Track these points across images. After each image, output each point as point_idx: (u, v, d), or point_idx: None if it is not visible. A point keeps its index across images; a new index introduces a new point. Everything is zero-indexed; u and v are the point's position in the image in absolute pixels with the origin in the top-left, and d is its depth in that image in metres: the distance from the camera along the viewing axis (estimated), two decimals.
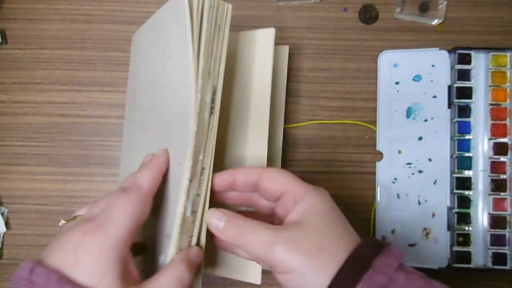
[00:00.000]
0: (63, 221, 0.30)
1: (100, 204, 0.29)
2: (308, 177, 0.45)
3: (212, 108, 0.31)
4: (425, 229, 0.44)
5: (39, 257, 0.27)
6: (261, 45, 0.39)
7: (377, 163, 0.45)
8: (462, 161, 0.44)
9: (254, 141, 0.38)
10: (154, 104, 0.36)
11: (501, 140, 0.44)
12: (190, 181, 0.29)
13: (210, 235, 0.31)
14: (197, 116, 0.29)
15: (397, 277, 0.26)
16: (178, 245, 0.30)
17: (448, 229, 0.44)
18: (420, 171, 0.45)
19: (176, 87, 0.32)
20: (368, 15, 0.45)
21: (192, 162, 0.29)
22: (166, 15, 0.34)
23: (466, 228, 0.43)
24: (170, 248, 0.29)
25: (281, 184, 0.30)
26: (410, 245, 0.44)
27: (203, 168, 0.30)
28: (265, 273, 0.45)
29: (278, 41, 0.46)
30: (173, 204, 0.30)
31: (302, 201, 0.30)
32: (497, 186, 0.43)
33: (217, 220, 0.30)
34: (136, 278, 0.28)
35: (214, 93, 0.31)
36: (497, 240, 0.43)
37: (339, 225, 0.30)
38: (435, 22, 0.46)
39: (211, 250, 0.36)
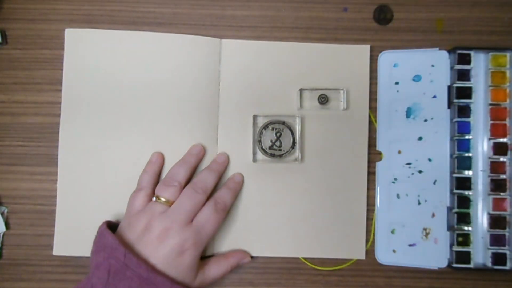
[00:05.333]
0: (154, 198, 0.40)
1: (185, 201, 0.40)
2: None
3: None
4: (425, 229, 0.44)
5: (125, 238, 0.39)
6: (358, 60, 0.46)
7: (377, 163, 0.45)
8: (462, 161, 0.44)
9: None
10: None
11: (501, 140, 0.44)
12: None
13: None
14: None
15: None
16: None
17: (448, 229, 0.44)
18: (420, 171, 0.45)
19: None
20: (382, 16, 0.45)
21: None
22: None
23: (466, 228, 0.43)
24: None
25: None
26: (410, 245, 0.44)
27: None
28: (265, 273, 0.45)
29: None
30: None
31: None
32: (497, 186, 0.43)
33: None
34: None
35: None
36: (496, 240, 0.43)
37: None
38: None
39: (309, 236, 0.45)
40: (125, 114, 0.45)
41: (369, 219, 0.45)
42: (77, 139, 0.44)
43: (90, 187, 0.44)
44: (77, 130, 0.44)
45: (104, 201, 0.44)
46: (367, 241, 0.45)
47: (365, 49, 0.46)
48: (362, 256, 0.45)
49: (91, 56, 0.45)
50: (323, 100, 0.45)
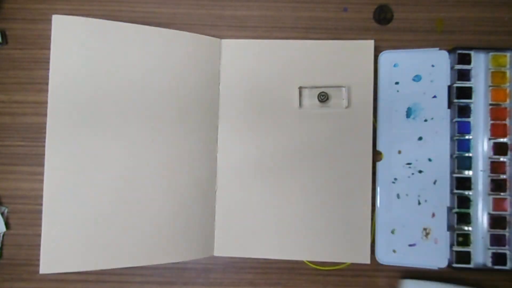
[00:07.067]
0: None
1: None
2: None
3: None
4: (425, 229, 0.44)
5: None
6: (361, 56, 0.45)
7: (377, 163, 0.45)
8: (462, 161, 0.44)
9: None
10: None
11: (501, 140, 0.44)
12: None
13: None
14: None
15: None
16: None
17: (448, 229, 0.44)
18: (420, 171, 0.45)
19: None
20: (382, 16, 0.45)
21: None
22: None
23: (466, 228, 0.43)
24: None
25: None
26: (410, 245, 0.44)
27: None
28: (265, 273, 0.45)
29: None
30: None
31: None
32: (497, 186, 0.43)
33: None
34: None
35: None
36: (497, 240, 0.43)
37: None
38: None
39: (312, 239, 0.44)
40: (119, 113, 0.42)
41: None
42: (65, 140, 0.41)
43: (80, 192, 0.41)
44: (66, 130, 0.41)
45: (95, 209, 0.41)
46: None
47: (369, 44, 0.45)
48: (367, 260, 0.44)
49: (81, 48, 0.41)
50: (323, 98, 0.44)
